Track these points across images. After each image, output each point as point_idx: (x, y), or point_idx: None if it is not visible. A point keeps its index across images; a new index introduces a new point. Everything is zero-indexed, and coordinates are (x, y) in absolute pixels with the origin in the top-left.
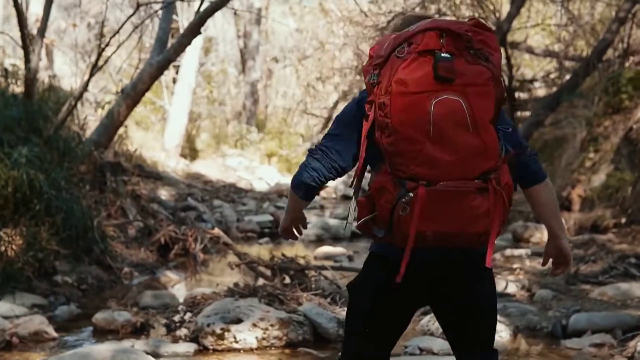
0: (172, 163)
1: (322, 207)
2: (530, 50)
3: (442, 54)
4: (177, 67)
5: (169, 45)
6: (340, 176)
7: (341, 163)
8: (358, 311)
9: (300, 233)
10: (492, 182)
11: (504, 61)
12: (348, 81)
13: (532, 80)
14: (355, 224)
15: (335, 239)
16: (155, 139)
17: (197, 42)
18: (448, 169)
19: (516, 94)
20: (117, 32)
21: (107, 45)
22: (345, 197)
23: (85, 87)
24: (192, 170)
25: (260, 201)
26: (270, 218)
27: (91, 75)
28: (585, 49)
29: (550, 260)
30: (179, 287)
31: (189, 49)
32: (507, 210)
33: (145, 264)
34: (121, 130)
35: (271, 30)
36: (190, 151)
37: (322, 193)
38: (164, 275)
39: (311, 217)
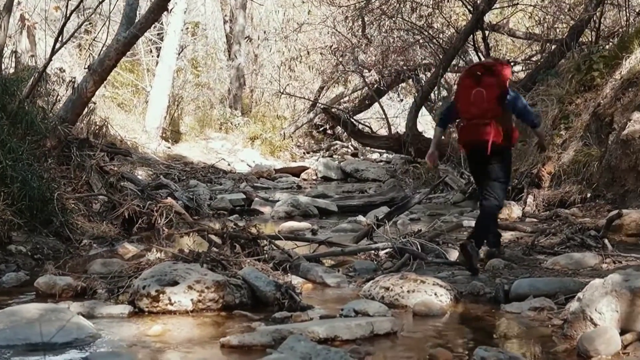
0: (153, 145)
1: (299, 187)
2: (511, 33)
3: (477, 73)
4: (159, 50)
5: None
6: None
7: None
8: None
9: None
10: (492, 121)
11: (481, 43)
12: (329, 62)
13: (511, 62)
14: None
15: (305, 216)
16: (137, 122)
17: (178, 24)
18: (475, 115)
19: None
20: (77, 7)
21: (67, 19)
22: (326, 179)
23: (48, 62)
24: (173, 153)
25: (238, 182)
26: (243, 196)
27: (53, 50)
28: (565, 31)
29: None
30: (135, 258)
31: (169, 30)
32: (505, 132)
33: (106, 237)
34: (91, 106)
35: (258, 16)
36: (174, 134)
37: (303, 175)
38: (122, 247)
39: (283, 195)
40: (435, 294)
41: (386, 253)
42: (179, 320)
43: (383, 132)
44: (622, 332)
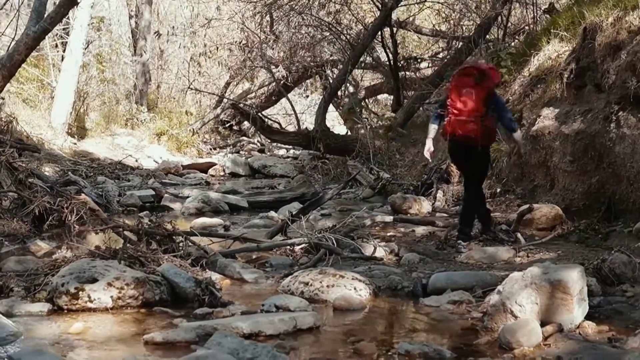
0: (59, 141)
1: (207, 183)
2: (418, 30)
3: (471, 74)
4: (65, 45)
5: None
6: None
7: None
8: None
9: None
10: (478, 118)
11: (389, 40)
12: (236, 58)
13: (419, 59)
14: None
15: (216, 212)
16: (43, 117)
17: (84, 19)
18: (462, 112)
19: (402, 73)
20: None
21: None
22: (234, 175)
23: None
24: (79, 149)
25: (146, 178)
26: (152, 193)
27: None
28: (472, 28)
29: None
30: (48, 255)
31: (76, 25)
32: (486, 131)
33: (17, 234)
34: None
35: (163, 11)
36: (80, 130)
37: (211, 171)
38: (35, 244)
39: (193, 192)
40: (355, 289)
41: (302, 248)
42: (99, 317)
43: (290, 128)
44: (542, 324)
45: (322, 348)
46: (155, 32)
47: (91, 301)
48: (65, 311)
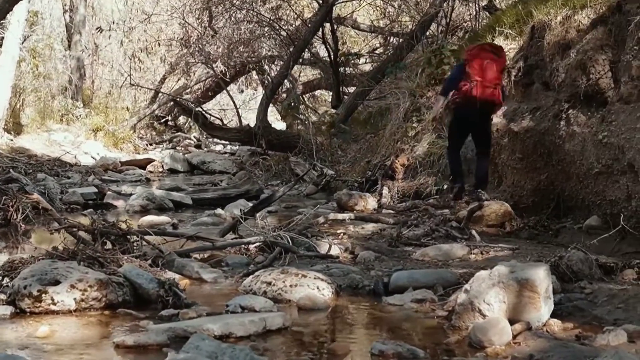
0: None
1: (147, 180)
2: (356, 26)
3: (491, 49)
4: (1, 40)
5: None
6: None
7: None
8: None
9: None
10: (497, 85)
11: (329, 35)
12: (174, 53)
13: (357, 55)
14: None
15: (161, 209)
16: None
17: (22, 14)
18: (488, 80)
19: (341, 69)
20: None
21: None
22: (172, 171)
23: None
24: (16, 145)
25: (85, 175)
26: (95, 190)
27: None
28: (411, 24)
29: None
30: None
31: (13, 20)
32: (502, 96)
33: None
34: None
35: (98, 5)
36: (15, 126)
37: (149, 167)
38: None
39: (136, 189)
40: (318, 288)
41: (256, 247)
42: (64, 320)
43: (228, 123)
44: (510, 322)
45: (294, 349)
46: (97, 28)
47: (54, 303)
48: (28, 314)
